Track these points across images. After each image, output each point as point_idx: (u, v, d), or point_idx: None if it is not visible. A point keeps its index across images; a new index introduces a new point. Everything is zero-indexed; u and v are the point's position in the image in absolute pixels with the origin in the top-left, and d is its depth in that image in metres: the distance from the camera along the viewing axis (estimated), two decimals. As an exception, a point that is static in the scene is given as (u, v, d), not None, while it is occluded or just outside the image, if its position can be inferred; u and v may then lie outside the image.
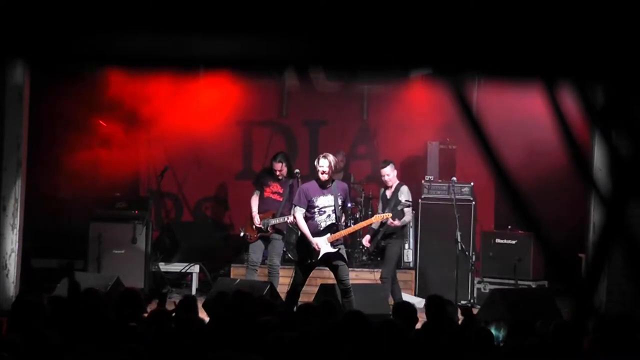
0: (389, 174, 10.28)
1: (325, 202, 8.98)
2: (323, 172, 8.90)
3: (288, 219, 10.13)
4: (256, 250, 10.43)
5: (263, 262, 10.50)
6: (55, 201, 12.02)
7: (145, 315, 6.48)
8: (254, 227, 10.43)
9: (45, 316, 5.86)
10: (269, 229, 10.31)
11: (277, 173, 10.38)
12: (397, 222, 9.94)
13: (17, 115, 9.26)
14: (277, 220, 10.26)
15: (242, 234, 10.62)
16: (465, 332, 5.88)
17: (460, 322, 6.95)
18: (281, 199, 10.34)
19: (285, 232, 10.59)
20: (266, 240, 10.42)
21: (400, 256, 11.01)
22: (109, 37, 2.33)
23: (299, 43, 2.31)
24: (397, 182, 10.33)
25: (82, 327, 5.50)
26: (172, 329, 5.55)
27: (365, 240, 10.35)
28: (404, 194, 10.24)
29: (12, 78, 9.18)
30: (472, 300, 11.16)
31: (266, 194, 10.45)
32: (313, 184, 9.10)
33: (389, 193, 10.33)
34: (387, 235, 10.19)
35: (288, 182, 10.40)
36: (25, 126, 9.37)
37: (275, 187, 10.45)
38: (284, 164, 10.37)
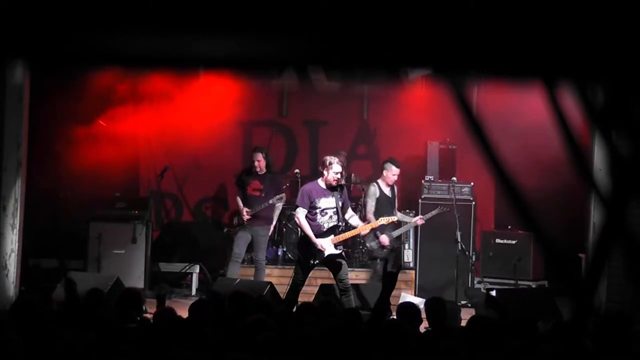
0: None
1: (328, 203, 8.97)
2: (339, 180, 8.94)
3: (270, 202, 10.57)
4: (240, 243, 10.72)
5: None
6: (55, 201, 12.01)
7: (147, 315, 6.47)
8: (236, 221, 10.91)
9: (47, 316, 5.86)
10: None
11: (256, 164, 10.77)
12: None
13: (17, 115, 9.25)
14: (260, 207, 10.64)
15: (235, 221, 11.02)
16: (469, 333, 5.87)
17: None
18: (259, 194, 10.74)
19: (270, 226, 10.82)
20: (250, 233, 10.70)
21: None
22: (109, 37, 2.33)
23: (299, 43, 2.30)
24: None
25: (84, 327, 5.50)
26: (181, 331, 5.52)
27: (385, 240, 10.32)
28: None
29: (12, 78, 9.18)
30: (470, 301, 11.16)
31: (248, 192, 10.83)
32: (315, 184, 9.09)
33: (388, 192, 10.39)
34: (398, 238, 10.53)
35: (267, 176, 10.79)
36: (25, 126, 9.36)
37: (256, 184, 10.81)
38: (262, 156, 10.81)
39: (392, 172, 10.35)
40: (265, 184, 10.73)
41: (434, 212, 10.79)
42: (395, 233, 10.48)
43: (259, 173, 10.79)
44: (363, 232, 9.66)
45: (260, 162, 10.78)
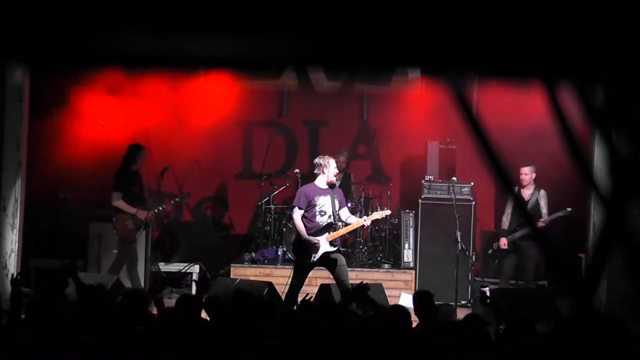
0: (527, 173, 10.52)
1: (326, 202, 9.01)
2: (336, 174, 9.14)
3: (163, 207, 10.55)
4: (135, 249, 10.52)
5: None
6: (55, 201, 12.01)
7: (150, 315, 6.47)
8: (131, 225, 10.42)
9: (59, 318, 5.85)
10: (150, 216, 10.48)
11: (141, 161, 10.45)
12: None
13: (17, 115, 9.26)
14: (160, 208, 10.55)
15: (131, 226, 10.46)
16: (464, 332, 5.87)
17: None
18: (145, 193, 10.60)
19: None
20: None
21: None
22: (109, 37, 2.33)
23: (299, 43, 2.31)
24: (534, 185, 10.61)
25: (87, 326, 5.50)
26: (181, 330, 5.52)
27: (502, 242, 10.60)
28: (544, 199, 10.51)
29: (12, 78, 9.18)
30: (471, 300, 11.16)
31: (136, 192, 10.47)
32: (312, 185, 9.18)
33: (526, 194, 10.47)
34: (525, 237, 10.42)
35: (140, 175, 10.55)
36: (25, 126, 9.37)
37: (140, 183, 10.57)
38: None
39: None
40: (141, 181, 10.57)
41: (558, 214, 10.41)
42: (517, 234, 10.47)
43: (140, 171, 10.56)
44: (356, 227, 9.59)
45: (145, 159, 10.54)
